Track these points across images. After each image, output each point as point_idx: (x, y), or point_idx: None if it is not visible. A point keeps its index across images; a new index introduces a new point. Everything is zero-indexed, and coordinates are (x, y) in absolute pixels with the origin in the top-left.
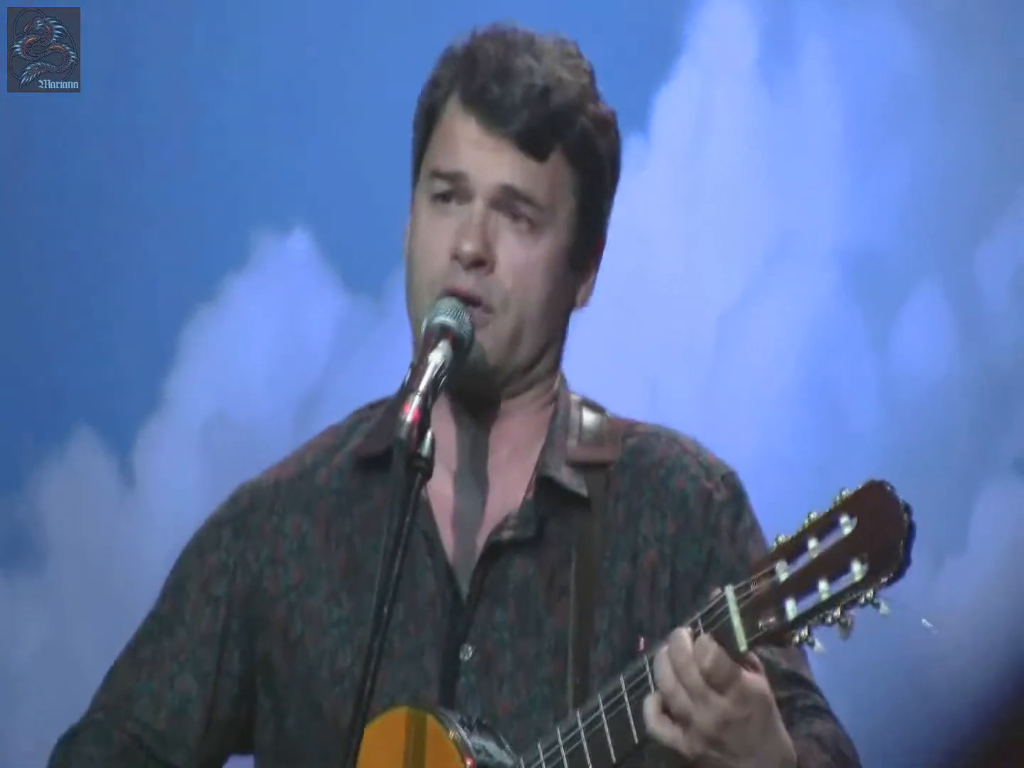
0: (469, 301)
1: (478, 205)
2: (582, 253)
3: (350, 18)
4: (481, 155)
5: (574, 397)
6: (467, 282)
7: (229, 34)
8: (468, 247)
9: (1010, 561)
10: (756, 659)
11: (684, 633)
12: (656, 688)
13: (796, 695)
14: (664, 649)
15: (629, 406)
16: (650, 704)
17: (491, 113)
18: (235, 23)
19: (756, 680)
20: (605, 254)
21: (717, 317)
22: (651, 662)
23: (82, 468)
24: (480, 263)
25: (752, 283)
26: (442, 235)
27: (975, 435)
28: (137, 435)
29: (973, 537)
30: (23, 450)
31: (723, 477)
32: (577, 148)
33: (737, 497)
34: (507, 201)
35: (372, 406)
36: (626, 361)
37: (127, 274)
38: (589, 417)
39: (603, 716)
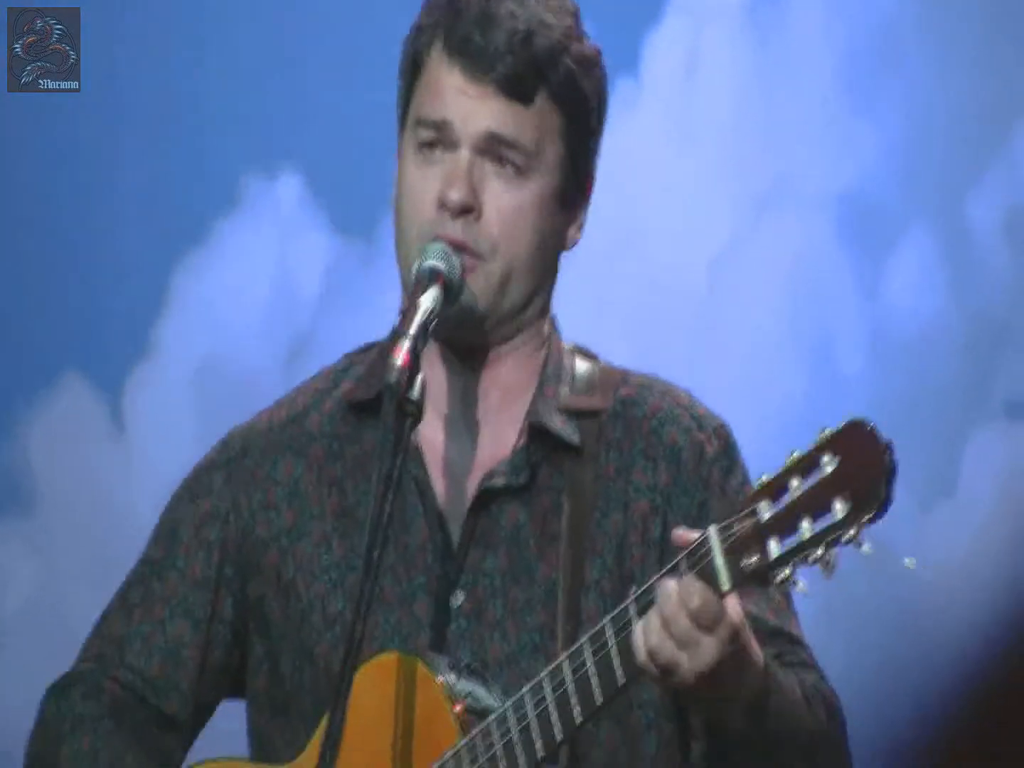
0: (458, 249)
1: (464, 153)
2: (571, 194)
3: None
4: (465, 103)
5: (566, 345)
6: (455, 229)
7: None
8: (455, 195)
9: (1000, 505)
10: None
11: (669, 582)
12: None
13: (783, 651)
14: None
15: (619, 351)
16: (637, 634)
17: (474, 61)
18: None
19: (736, 610)
20: (595, 197)
21: (707, 261)
22: (636, 600)
23: (71, 413)
24: (467, 210)
25: (742, 227)
26: (428, 183)
27: (965, 379)
28: (127, 380)
29: (963, 481)
30: (12, 396)
31: (715, 429)
32: (562, 90)
33: (728, 450)
34: (493, 147)
35: (363, 350)
36: (615, 306)
37: (115, 218)
38: (582, 365)
39: (588, 657)
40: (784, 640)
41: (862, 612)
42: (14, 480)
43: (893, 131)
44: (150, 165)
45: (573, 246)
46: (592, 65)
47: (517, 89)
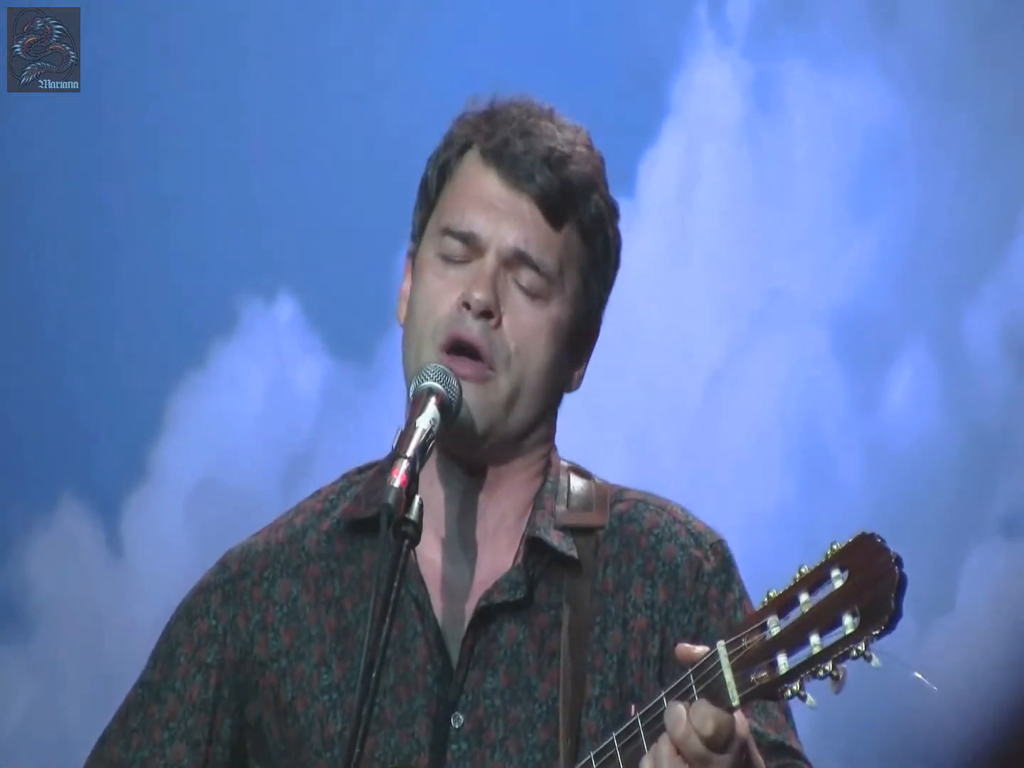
0: (473, 351)
1: (490, 260)
2: (580, 334)
3: (337, 86)
4: (496, 216)
5: (563, 463)
6: (473, 330)
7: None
8: (479, 295)
9: (997, 621)
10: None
11: (678, 707)
12: (647, 746)
13: (784, 764)
14: (663, 737)
15: (616, 465)
16: (647, 764)
17: (512, 167)
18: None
19: (743, 723)
20: None
21: (704, 376)
22: (642, 718)
23: (69, 537)
24: (488, 314)
25: (739, 343)
26: (450, 286)
27: (962, 495)
28: (124, 503)
29: (961, 597)
30: (10, 519)
31: (712, 546)
32: (590, 224)
33: (726, 567)
34: (518, 265)
35: (361, 470)
36: (614, 421)
37: (112, 341)
38: (577, 483)
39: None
40: (785, 753)
41: (860, 728)
42: (12, 602)
43: (889, 246)
44: (147, 289)
45: (574, 390)
46: (616, 217)
47: (550, 208)
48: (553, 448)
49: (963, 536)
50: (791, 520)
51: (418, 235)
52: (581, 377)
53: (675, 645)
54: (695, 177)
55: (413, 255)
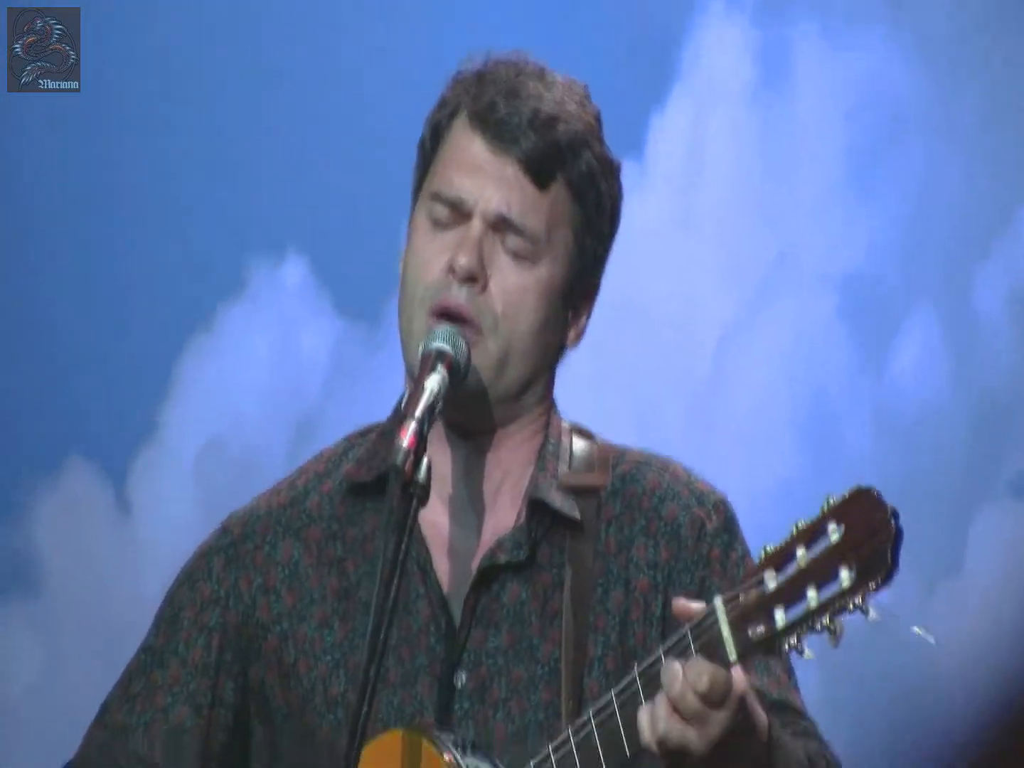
0: (459, 317)
1: (476, 224)
2: (576, 291)
3: (347, 47)
4: (482, 180)
5: (564, 424)
6: (459, 297)
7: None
8: (463, 260)
9: (1005, 584)
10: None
11: (674, 664)
12: (644, 701)
13: (787, 722)
14: (658, 695)
15: (623, 430)
16: (644, 718)
17: (497, 132)
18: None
19: (740, 678)
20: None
21: (712, 342)
22: (640, 675)
23: (77, 497)
24: (473, 279)
25: (747, 308)
26: (438, 250)
27: (970, 458)
28: (132, 464)
29: (968, 561)
30: (18, 479)
31: (714, 505)
32: (581, 183)
33: (728, 526)
34: (504, 228)
35: (362, 432)
36: (621, 385)
37: (120, 304)
38: (579, 444)
39: (594, 730)
40: (788, 712)
41: (868, 693)
42: (19, 563)
43: (896, 212)
44: (155, 251)
45: (573, 346)
46: (612, 171)
47: (536, 169)
48: (554, 408)
49: (971, 500)
50: (798, 486)
51: (415, 194)
52: (581, 333)
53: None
54: (703, 143)
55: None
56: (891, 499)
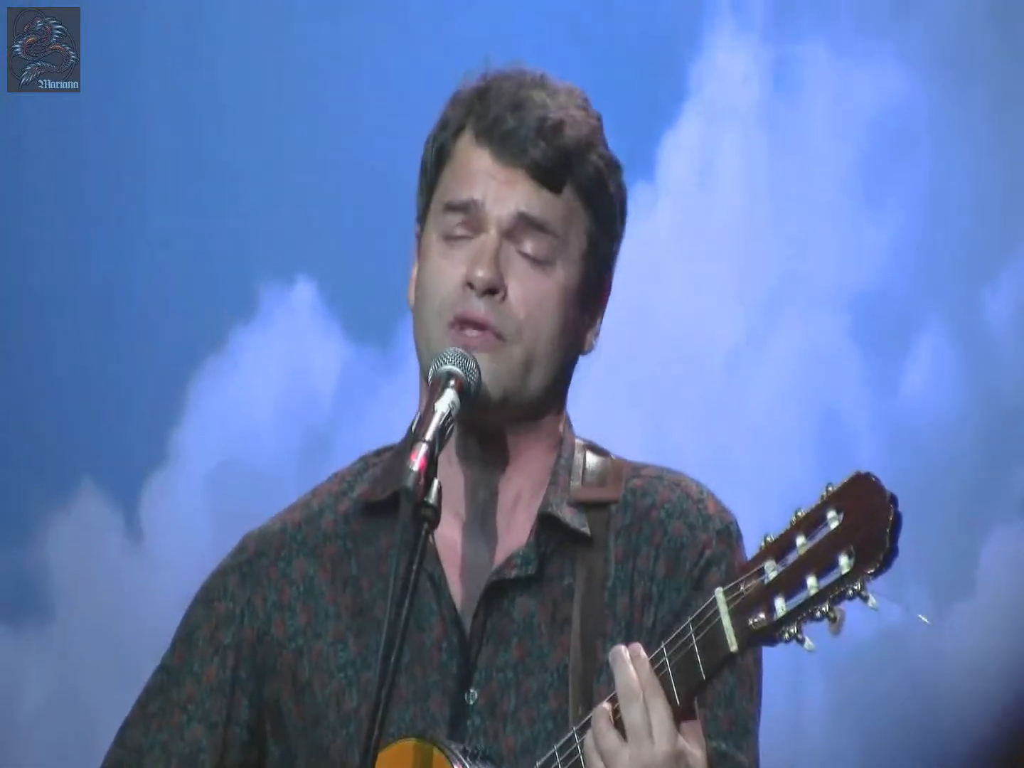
0: (481, 326)
1: (492, 234)
2: (590, 295)
3: (353, 72)
4: (495, 186)
5: (579, 441)
6: (479, 309)
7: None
8: (481, 273)
9: (1018, 602)
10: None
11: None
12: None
13: None
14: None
15: (634, 445)
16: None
17: (505, 144)
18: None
19: (695, 731)
20: (613, 295)
21: (723, 359)
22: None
23: (89, 520)
24: (493, 291)
25: (757, 325)
26: (453, 266)
27: (982, 476)
28: (144, 487)
29: (981, 580)
30: (30, 502)
31: (718, 532)
32: (589, 185)
33: (728, 552)
34: (521, 230)
35: (378, 453)
36: (631, 401)
37: (132, 326)
38: (593, 459)
39: (578, 746)
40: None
41: (879, 710)
42: (32, 585)
43: (907, 228)
44: (166, 272)
45: (588, 352)
46: (617, 171)
47: (547, 177)
48: (567, 425)
49: (984, 518)
50: (809, 501)
51: (421, 218)
52: (595, 337)
53: (661, 622)
54: (714, 160)
55: (419, 239)
56: (903, 515)
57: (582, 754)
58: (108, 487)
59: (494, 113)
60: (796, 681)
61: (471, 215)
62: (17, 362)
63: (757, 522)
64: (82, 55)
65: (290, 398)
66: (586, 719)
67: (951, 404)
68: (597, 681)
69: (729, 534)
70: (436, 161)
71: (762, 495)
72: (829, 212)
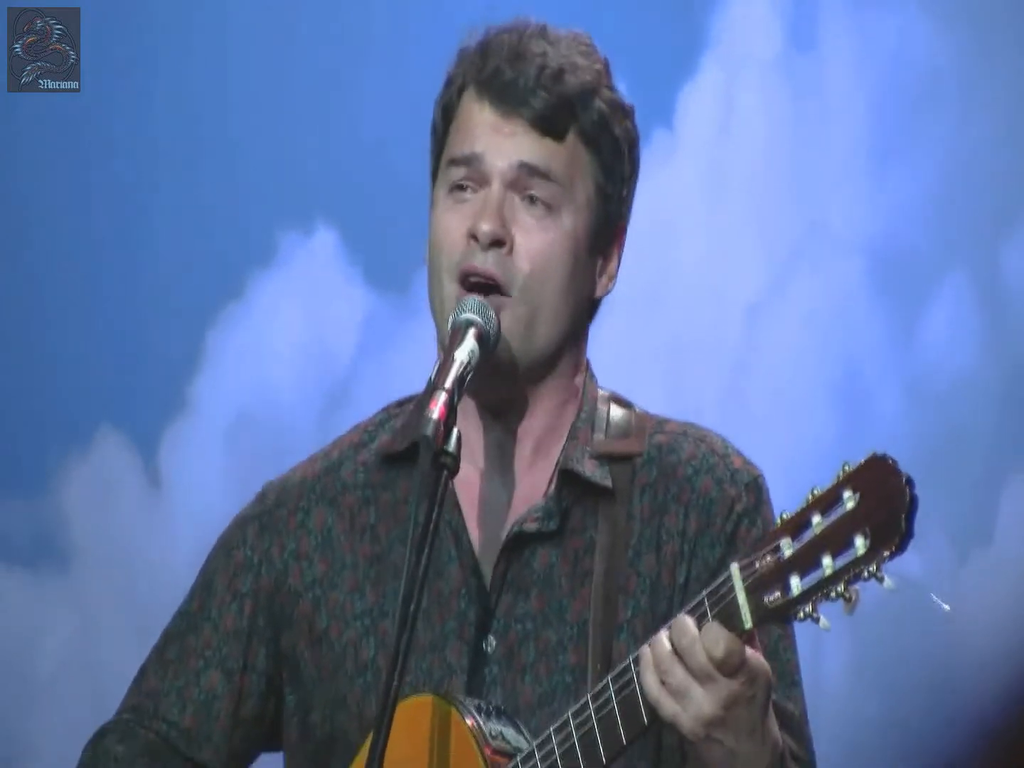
0: (487, 281)
1: (495, 187)
2: (602, 238)
3: (369, 16)
4: (497, 138)
5: (602, 392)
6: (485, 262)
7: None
8: (485, 226)
9: None
10: (756, 638)
11: (687, 618)
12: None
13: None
14: (663, 632)
15: (654, 398)
16: (649, 676)
17: (505, 97)
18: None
19: (759, 659)
20: (632, 247)
21: (742, 309)
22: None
23: (107, 469)
24: (498, 243)
25: (777, 275)
26: (460, 219)
27: (1001, 427)
28: (162, 436)
29: (999, 530)
30: (48, 451)
31: (747, 485)
32: (593, 130)
33: (758, 505)
34: (524, 181)
35: (400, 403)
36: (652, 353)
37: (151, 275)
38: (616, 412)
39: (613, 697)
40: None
41: (897, 664)
42: (50, 535)
43: (927, 179)
44: (184, 221)
45: (605, 295)
46: (624, 113)
47: (549, 125)
48: (589, 375)
49: (1002, 469)
50: (829, 455)
51: (434, 177)
52: (612, 280)
53: (697, 579)
54: (733, 110)
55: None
56: (921, 469)
57: (642, 694)
58: (127, 435)
59: (493, 66)
60: (816, 635)
61: (474, 168)
62: (33, 313)
63: (778, 476)
64: (82, 55)
65: (310, 347)
66: (625, 663)
67: (971, 355)
68: (617, 638)
69: (758, 487)
70: (443, 119)
71: (782, 446)
72: (849, 163)
